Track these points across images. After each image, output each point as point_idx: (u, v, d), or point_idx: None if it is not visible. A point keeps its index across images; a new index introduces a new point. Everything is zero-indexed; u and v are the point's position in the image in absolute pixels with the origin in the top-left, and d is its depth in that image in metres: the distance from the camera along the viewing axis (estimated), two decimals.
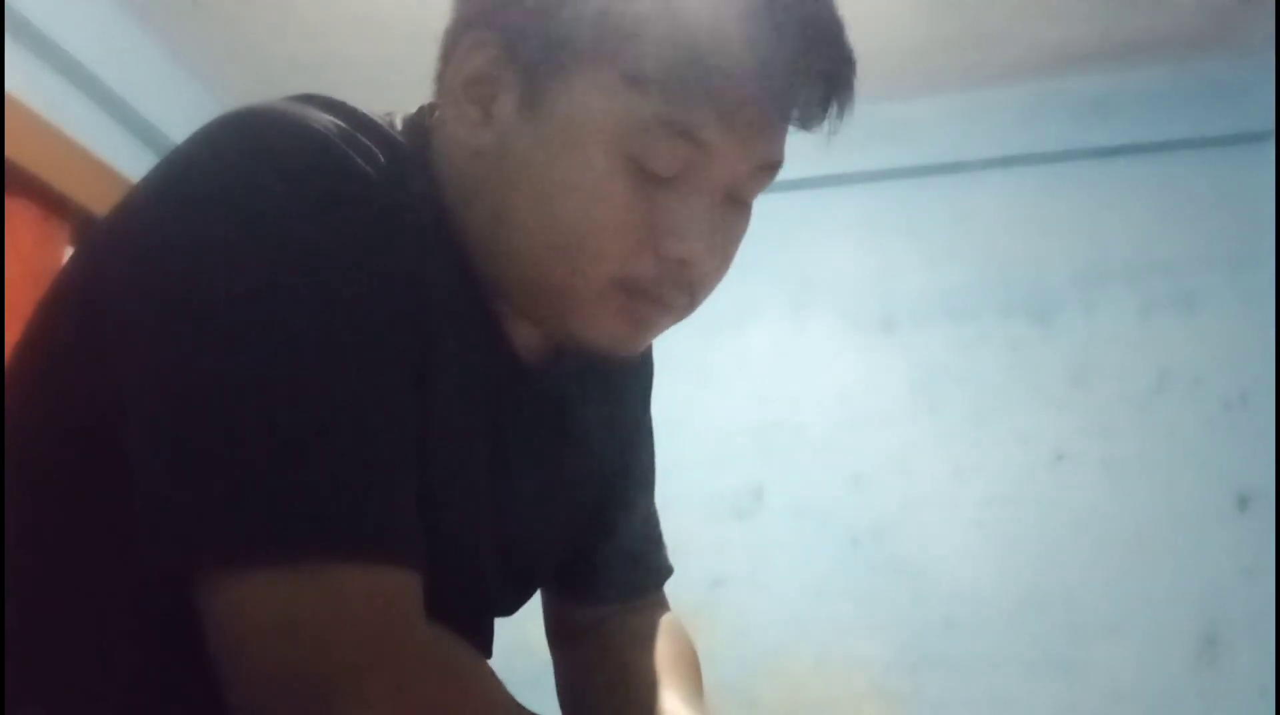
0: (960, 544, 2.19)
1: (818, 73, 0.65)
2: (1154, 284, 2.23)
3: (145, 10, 2.08)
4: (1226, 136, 2.22)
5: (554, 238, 0.65)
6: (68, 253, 2.00)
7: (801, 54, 0.64)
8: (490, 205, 0.68)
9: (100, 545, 0.60)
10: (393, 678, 0.53)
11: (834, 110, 0.67)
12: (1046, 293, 2.28)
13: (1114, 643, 2.08)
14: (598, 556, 0.89)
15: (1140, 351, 2.20)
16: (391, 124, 0.71)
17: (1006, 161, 2.33)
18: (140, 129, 2.13)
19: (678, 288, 0.68)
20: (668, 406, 0.92)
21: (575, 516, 0.84)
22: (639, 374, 0.90)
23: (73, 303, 0.64)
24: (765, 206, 0.77)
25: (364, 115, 0.67)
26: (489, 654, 0.77)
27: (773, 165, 0.69)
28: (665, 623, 0.92)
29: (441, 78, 0.70)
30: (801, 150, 0.73)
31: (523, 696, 0.61)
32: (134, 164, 2.08)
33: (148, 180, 0.63)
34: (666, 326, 0.71)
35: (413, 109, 0.74)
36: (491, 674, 0.60)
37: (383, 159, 0.63)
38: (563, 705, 0.90)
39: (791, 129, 0.69)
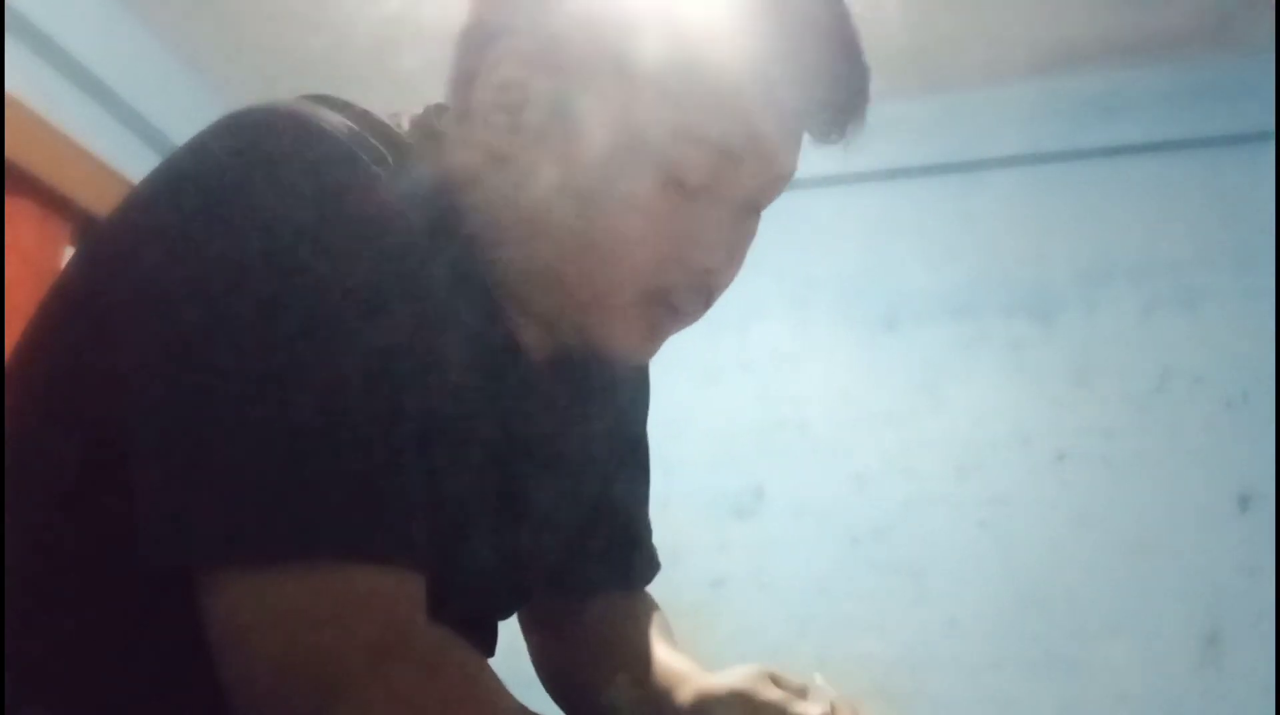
0: (962, 543, 2.19)
1: (841, 87, 0.67)
2: (1156, 283, 2.23)
3: (145, 9, 2.08)
4: (1227, 136, 2.22)
5: (589, 249, 0.66)
6: (68, 252, 2.00)
7: (827, 68, 0.66)
8: (516, 213, 0.68)
9: (101, 545, 0.60)
10: (393, 677, 0.52)
11: (854, 125, 0.68)
12: (1048, 292, 2.27)
13: (1115, 642, 2.08)
14: (586, 550, 0.89)
15: (1142, 351, 2.20)
16: (399, 125, 0.71)
17: (1008, 161, 2.32)
18: (140, 128, 2.13)
19: (698, 295, 0.70)
20: (669, 406, 0.92)
21: (574, 517, 0.84)
22: (638, 388, 0.91)
23: (76, 298, 0.64)
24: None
25: (374, 117, 0.67)
26: (491, 655, 0.77)
27: (790, 175, 0.71)
28: (649, 604, 0.93)
29: (461, 82, 0.70)
30: (803, 150, 0.73)
31: (523, 696, 0.60)
32: (134, 164, 2.08)
33: (156, 175, 0.63)
34: (676, 332, 0.72)
35: (416, 108, 0.74)
36: (493, 674, 0.60)
37: (390, 160, 0.63)
38: (550, 686, 0.90)
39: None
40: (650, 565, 0.94)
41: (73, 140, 1.94)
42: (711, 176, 0.66)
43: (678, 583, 0.96)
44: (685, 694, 0.78)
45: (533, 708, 0.60)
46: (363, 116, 0.66)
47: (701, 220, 0.67)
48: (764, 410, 2.33)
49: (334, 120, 0.61)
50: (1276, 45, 2.07)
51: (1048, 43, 2.17)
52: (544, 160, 0.66)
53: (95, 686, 0.60)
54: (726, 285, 0.72)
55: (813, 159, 0.87)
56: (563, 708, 0.87)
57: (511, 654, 0.89)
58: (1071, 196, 2.30)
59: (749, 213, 0.71)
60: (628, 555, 0.93)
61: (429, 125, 0.72)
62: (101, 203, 1.99)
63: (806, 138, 0.72)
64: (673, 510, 1.00)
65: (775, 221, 0.78)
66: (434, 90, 0.73)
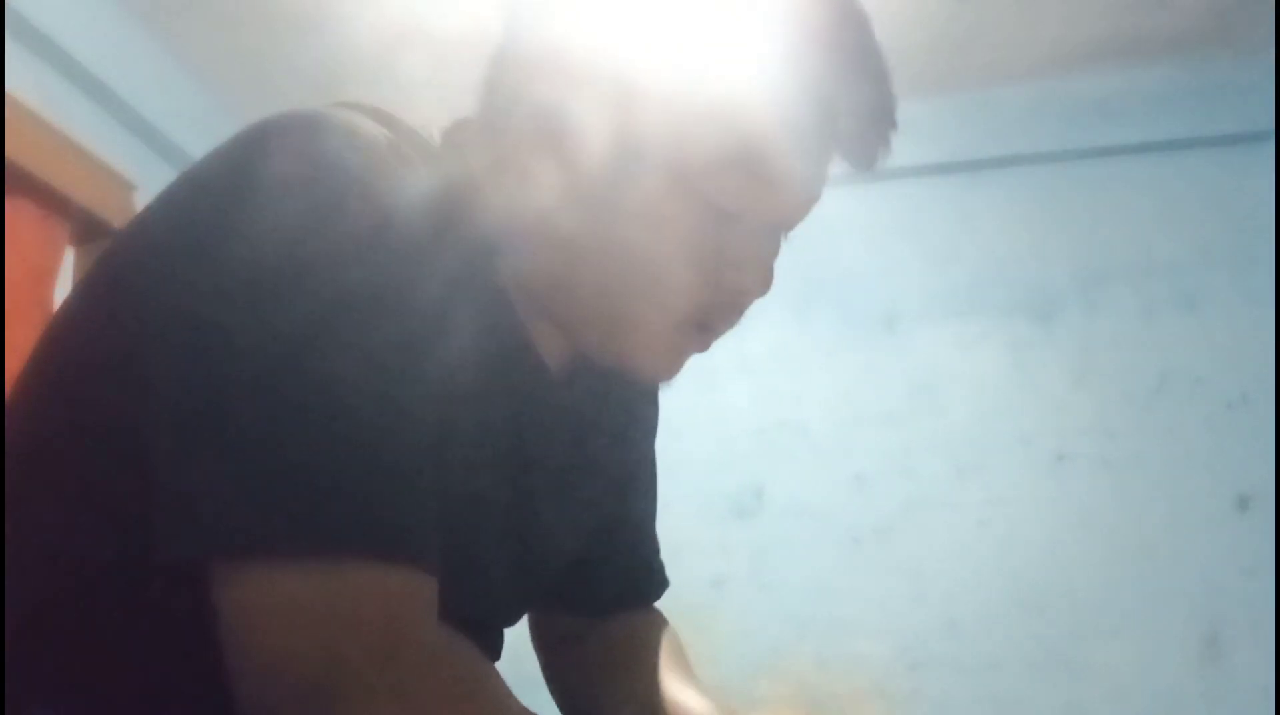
0: (961, 544, 2.19)
1: (874, 111, 0.68)
2: (1155, 284, 2.23)
3: (146, 10, 2.08)
4: (1227, 136, 2.22)
5: (631, 274, 0.67)
6: (68, 253, 2.00)
7: (861, 93, 0.68)
8: (553, 235, 0.69)
9: (108, 544, 0.60)
10: (399, 677, 0.53)
11: (883, 153, 0.70)
12: (1048, 292, 2.28)
13: (1115, 642, 2.08)
14: (597, 568, 0.90)
15: (1141, 351, 2.20)
16: (430, 135, 0.71)
17: (1008, 161, 2.33)
18: (140, 129, 2.13)
19: (731, 316, 0.71)
20: (669, 406, 0.93)
21: (583, 528, 0.85)
22: (650, 403, 0.92)
23: (103, 291, 0.64)
24: None
25: (408, 127, 0.68)
26: (497, 660, 0.77)
27: (819, 198, 0.72)
28: (659, 623, 0.94)
29: (495, 104, 0.71)
30: None
31: (526, 698, 0.61)
32: (134, 164, 2.08)
33: (190, 176, 0.63)
34: (701, 351, 0.74)
35: (444, 119, 0.74)
36: (498, 677, 0.60)
37: (421, 168, 0.63)
38: (561, 703, 0.90)
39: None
40: (660, 583, 0.95)
41: (73, 140, 1.94)
42: (747, 202, 0.67)
43: (678, 583, 0.96)
44: None
45: (536, 710, 0.60)
46: (399, 126, 0.66)
47: (738, 244, 0.68)
48: (764, 410, 2.33)
49: (371, 129, 0.62)
50: (1276, 45, 2.07)
51: (1048, 43, 2.17)
52: (583, 187, 0.67)
53: (100, 686, 0.60)
54: (753, 302, 0.73)
55: None
56: None
57: (513, 657, 0.89)
58: (1072, 197, 2.30)
59: (777, 233, 0.72)
60: (637, 573, 0.93)
61: (458, 139, 0.73)
62: (101, 203, 1.99)
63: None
64: (673, 510, 1.00)
65: None
66: (435, 96, 0.73)
